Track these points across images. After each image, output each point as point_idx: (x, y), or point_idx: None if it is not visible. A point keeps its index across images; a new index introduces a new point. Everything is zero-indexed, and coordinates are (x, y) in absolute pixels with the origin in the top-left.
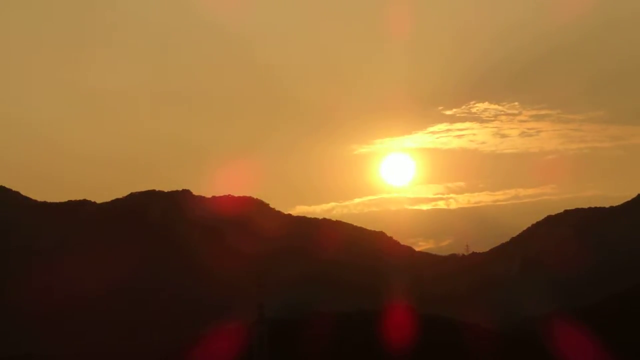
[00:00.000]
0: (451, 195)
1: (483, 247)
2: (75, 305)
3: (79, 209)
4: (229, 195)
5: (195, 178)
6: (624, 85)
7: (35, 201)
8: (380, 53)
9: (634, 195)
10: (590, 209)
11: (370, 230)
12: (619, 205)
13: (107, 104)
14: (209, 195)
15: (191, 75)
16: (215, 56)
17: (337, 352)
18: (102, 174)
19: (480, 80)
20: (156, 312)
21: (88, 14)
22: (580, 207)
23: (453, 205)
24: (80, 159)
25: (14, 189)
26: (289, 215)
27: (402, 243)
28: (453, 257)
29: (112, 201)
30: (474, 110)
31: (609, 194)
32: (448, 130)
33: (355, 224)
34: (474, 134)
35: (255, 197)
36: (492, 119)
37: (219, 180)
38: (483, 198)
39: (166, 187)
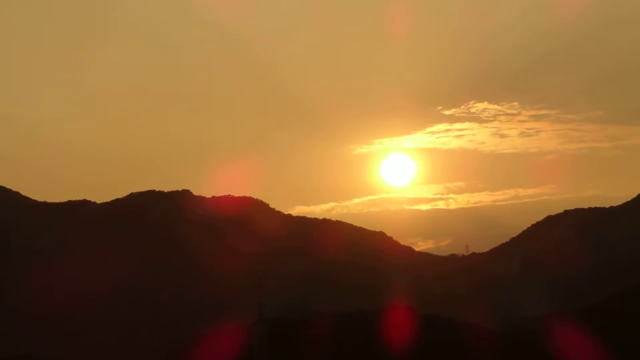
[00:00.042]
0: (451, 195)
1: (483, 247)
2: (75, 305)
3: (79, 209)
4: (229, 195)
5: (195, 178)
6: (623, 85)
7: (35, 201)
8: (380, 53)
9: (633, 195)
10: (590, 209)
11: (370, 230)
12: (619, 205)
13: (107, 104)
14: (209, 195)
15: (191, 75)
16: (215, 56)
17: (337, 352)
18: (102, 174)
19: (480, 80)
20: (156, 312)
21: (88, 14)
22: (580, 207)
23: (452, 206)
24: (80, 159)
25: (14, 189)
26: (289, 215)
27: (401, 243)
28: (453, 257)
29: (112, 201)
30: (473, 110)
31: (609, 194)
32: (447, 130)
33: (355, 224)
34: (473, 134)
35: (255, 197)
36: (492, 119)
37: (219, 180)
38: (483, 198)
39: (166, 187)
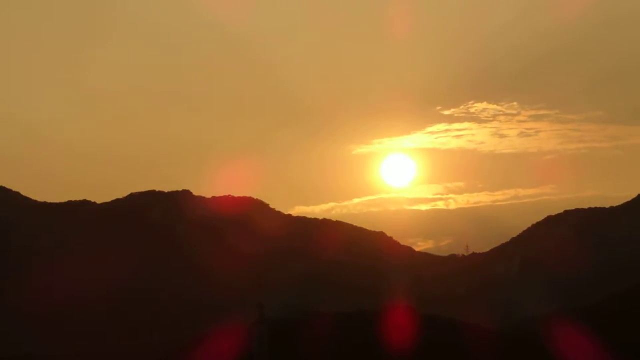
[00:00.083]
0: (450, 195)
1: (483, 247)
2: (75, 305)
3: (79, 209)
4: (229, 195)
5: (195, 178)
6: (623, 85)
7: (35, 201)
8: (380, 53)
9: (633, 195)
10: (590, 209)
11: (370, 230)
12: (619, 205)
13: (107, 104)
14: (209, 195)
15: (191, 75)
16: (215, 56)
17: (337, 352)
18: (102, 174)
19: (479, 80)
20: (156, 312)
21: (88, 14)
22: (580, 207)
23: (452, 206)
24: (80, 159)
25: (14, 189)
26: (289, 215)
27: (401, 243)
28: (453, 257)
29: (112, 201)
30: (472, 110)
31: (609, 194)
32: (447, 130)
33: (354, 224)
34: (473, 134)
35: (255, 197)
36: (491, 119)
37: (219, 180)
38: (482, 198)
39: (166, 187)
